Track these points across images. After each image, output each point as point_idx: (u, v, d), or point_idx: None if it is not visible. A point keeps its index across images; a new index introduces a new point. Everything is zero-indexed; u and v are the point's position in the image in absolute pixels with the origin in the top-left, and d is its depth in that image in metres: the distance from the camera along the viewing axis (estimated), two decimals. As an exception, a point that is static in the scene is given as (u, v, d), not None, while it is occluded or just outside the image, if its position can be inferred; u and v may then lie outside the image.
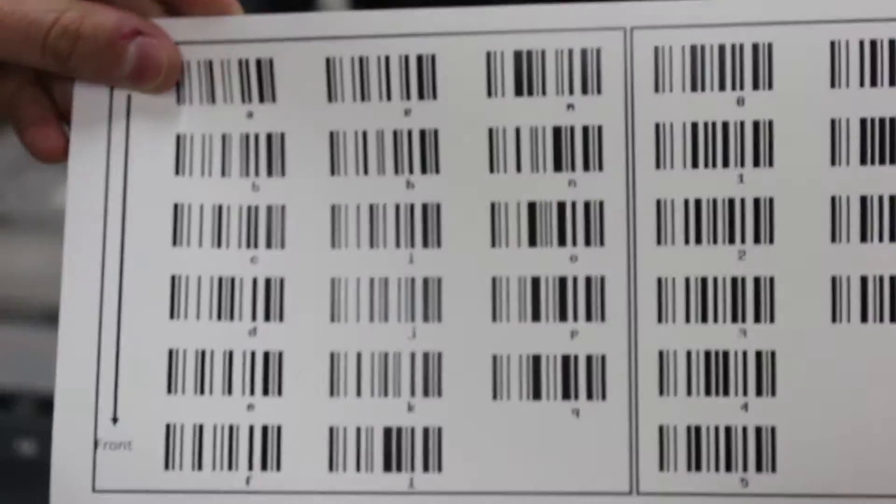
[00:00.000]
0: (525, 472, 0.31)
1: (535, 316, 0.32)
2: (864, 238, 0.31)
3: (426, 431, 0.32)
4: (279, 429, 0.32)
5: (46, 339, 0.67)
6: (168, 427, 0.32)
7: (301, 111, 0.33)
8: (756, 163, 0.31)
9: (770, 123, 0.31)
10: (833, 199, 0.31)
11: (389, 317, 0.32)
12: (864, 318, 0.31)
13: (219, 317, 0.32)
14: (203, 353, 0.32)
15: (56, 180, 0.70)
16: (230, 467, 0.32)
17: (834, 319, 0.31)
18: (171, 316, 0.32)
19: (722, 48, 0.31)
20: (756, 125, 0.31)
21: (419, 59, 0.32)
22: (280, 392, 0.32)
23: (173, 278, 0.32)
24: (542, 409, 0.32)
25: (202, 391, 0.32)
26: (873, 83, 0.31)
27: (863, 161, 0.31)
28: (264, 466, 0.32)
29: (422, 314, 0.32)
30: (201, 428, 0.32)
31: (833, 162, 0.31)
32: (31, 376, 0.64)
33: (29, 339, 0.66)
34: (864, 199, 0.31)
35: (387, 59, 0.32)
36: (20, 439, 0.62)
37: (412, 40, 0.32)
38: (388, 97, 0.32)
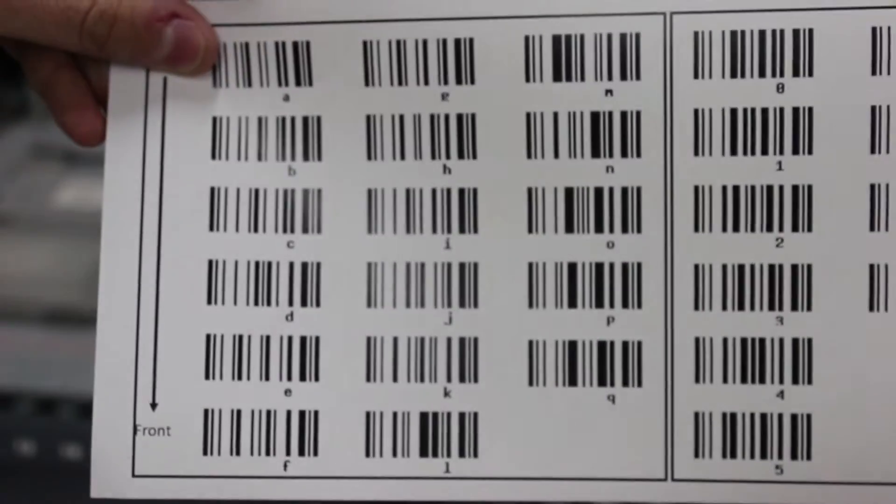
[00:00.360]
0: (560, 458, 0.32)
1: (572, 302, 0.33)
2: (903, 226, 0.32)
3: (462, 417, 0.33)
4: (316, 414, 0.33)
5: (46, 339, 0.69)
6: (206, 412, 0.33)
7: (338, 95, 0.33)
8: (795, 150, 0.32)
9: (810, 110, 0.32)
10: (872, 186, 0.32)
11: (426, 302, 0.33)
12: (902, 307, 0.32)
13: (256, 302, 0.33)
14: (240, 339, 0.33)
15: (56, 180, 0.71)
16: (268, 453, 0.33)
17: (871, 308, 0.32)
18: (209, 301, 0.33)
19: (762, 34, 0.32)
20: (796, 112, 0.32)
21: (457, 42, 0.33)
22: (317, 377, 0.33)
23: (210, 263, 0.33)
24: (578, 395, 0.32)
25: (240, 377, 0.33)
26: (915, 70, 0.32)
27: (903, 149, 0.32)
28: (301, 452, 0.33)
29: (458, 300, 0.33)
30: (239, 413, 0.33)
31: (873, 150, 0.32)
32: (30, 376, 0.66)
33: (29, 339, 0.68)
34: (903, 187, 0.32)
35: (424, 42, 0.33)
36: (19, 440, 0.64)
37: (450, 24, 0.33)
38: (426, 81, 0.33)
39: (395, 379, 0.33)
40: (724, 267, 0.32)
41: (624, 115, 0.32)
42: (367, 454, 0.33)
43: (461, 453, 0.33)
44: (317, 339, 0.33)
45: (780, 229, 0.32)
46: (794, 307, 0.32)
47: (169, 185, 0.33)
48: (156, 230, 0.33)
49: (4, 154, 0.75)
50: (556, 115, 0.33)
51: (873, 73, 0.32)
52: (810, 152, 0.32)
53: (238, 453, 0.33)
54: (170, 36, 0.32)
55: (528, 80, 0.33)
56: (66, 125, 0.33)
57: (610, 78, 0.32)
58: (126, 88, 0.33)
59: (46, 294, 0.67)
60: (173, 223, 0.33)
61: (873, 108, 0.32)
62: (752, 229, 0.32)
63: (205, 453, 0.33)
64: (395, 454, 0.33)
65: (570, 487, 0.32)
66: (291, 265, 0.33)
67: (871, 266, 0.32)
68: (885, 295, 0.32)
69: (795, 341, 0.32)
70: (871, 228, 0.32)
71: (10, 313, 0.69)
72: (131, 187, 0.33)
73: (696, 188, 0.32)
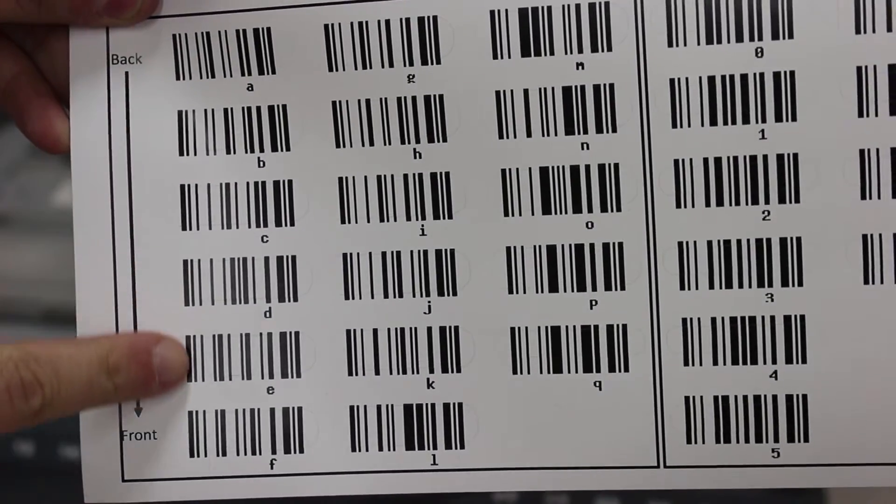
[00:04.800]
0: (548, 447, 0.43)
1: (553, 286, 0.43)
2: (896, 194, 0.41)
3: (447, 408, 0.43)
4: (300, 410, 0.44)
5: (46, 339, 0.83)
6: (190, 415, 0.44)
7: (301, 81, 0.44)
8: (778, 117, 0.41)
9: (792, 75, 0.41)
10: (862, 152, 0.40)
11: (404, 292, 0.43)
12: (898, 278, 0.41)
13: (233, 300, 0.44)
14: (220, 339, 0.44)
15: (56, 180, 0.86)
16: (254, 452, 0.44)
17: (866, 281, 0.41)
18: (186, 302, 0.44)
19: (738, -4, 0.41)
20: (777, 77, 0.41)
21: (420, 21, 0.43)
22: (299, 374, 0.44)
23: (185, 263, 0.44)
24: (564, 382, 0.43)
25: (221, 377, 0.44)
26: (902, 26, 0.40)
27: (893, 111, 0.40)
28: (287, 449, 0.44)
29: (436, 288, 0.43)
30: (223, 414, 0.44)
31: (861, 113, 0.40)
32: None
33: (28, 339, 0.82)
34: (895, 152, 0.40)
35: (387, 23, 0.43)
36: (18, 440, 0.78)
37: (413, 2, 0.43)
38: (391, 63, 0.43)
39: (377, 372, 0.44)
40: (710, 243, 0.42)
41: (597, 88, 0.42)
42: (353, 449, 0.44)
43: (447, 445, 0.43)
44: (296, 334, 0.44)
45: (767, 201, 0.41)
46: (785, 283, 0.41)
47: (138, 185, 0.44)
48: (128, 233, 0.44)
49: (4, 154, 0.90)
50: (526, 92, 0.42)
51: (857, 31, 0.40)
52: (794, 119, 0.41)
53: (224, 454, 0.44)
54: None
55: (495, 56, 0.42)
56: (33, 134, 0.44)
57: (580, 51, 0.42)
58: (88, 86, 0.44)
59: (46, 294, 0.82)
60: (145, 225, 0.44)
61: (859, 69, 0.40)
62: (737, 202, 0.41)
63: (191, 455, 0.44)
64: (380, 448, 0.44)
65: (558, 477, 0.43)
66: (267, 260, 0.44)
67: (865, 237, 0.41)
68: (881, 266, 0.41)
69: (787, 319, 0.41)
70: (863, 197, 0.41)
71: (9, 313, 0.85)
72: (100, 191, 0.44)
73: (676, 162, 0.41)
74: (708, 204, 0.41)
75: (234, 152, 0.44)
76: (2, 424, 0.39)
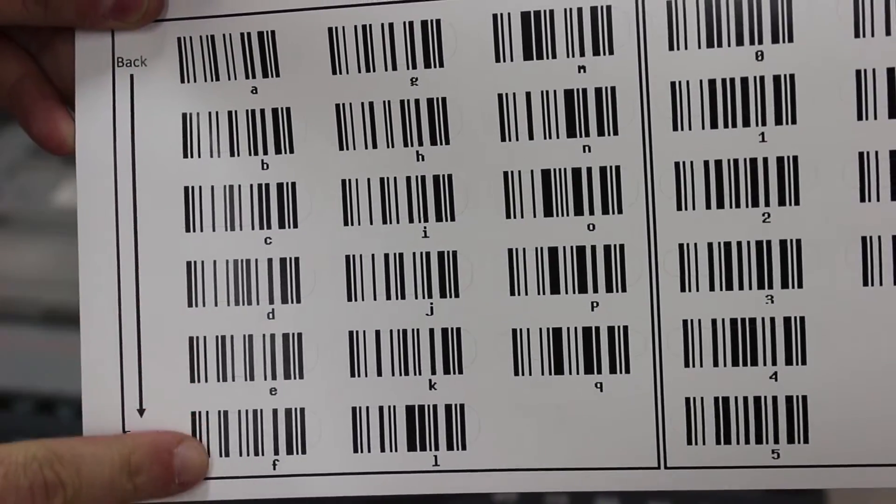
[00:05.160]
0: (549, 448, 0.43)
1: (554, 288, 0.43)
2: (895, 196, 0.41)
3: (448, 409, 0.44)
4: (302, 411, 0.44)
5: (46, 339, 0.85)
6: (193, 415, 0.45)
7: (305, 84, 0.44)
8: (778, 120, 0.41)
9: (791, 78, 0.41)
10: (861, 155, 0.41)
11: (406, 293, 0.44)
12: (897, 280, 0.41)
13: (237, 301, 0.45)
14: (223, 340, 0.45)
15: (56, 180, 0.87)
16: (256, 452, 0.45)
17: (865, 282, 0.41)
18: (190, 304, 0.45)
19: (738, 0, 0.41)
20: (777, 80, 0.41)
21: (424, 24, 0.43)
22: (301, 375, 0.44)
23: (189, 265, 0.45)
24: (565, 383, 0.43)
25: (224, 378, 0.45)
26: (901, 30, 0.40)
27: (892, 114, 0.41)
28: (290, 450, 0.44)
29: (438, 290, 0.44)
30: (226, 414, 0.45)
31: (860, 116, 0.41)
32: (30, 376, 0.82)
33: (28, 339, 0.84)
34: (893, 154, 0.41)
35: (391, 26, 0.43)
36: (18, 440, 0.79)
37: (416, 6, 0.43)
38: (394, 66, 0.43)
39: (379, 373, 0.44)
40: (710, 245, 0.42)
41: (599, 91, 0.42)
42: (355, 450, 0.44)
43: (449, 446, 0.44)
44: (299, 335, 0.44)
45: (767, 204, 0.41)
46: (785, 285, 0.42)
47: (142, 187, 0.45)
48: (132, 235, 0.44)
49: (4, 154, 0.91)
50: (528, 94, 0.43)
51: (857, 34, 0.41)
52: (794, 122, 0.41)
53: (227, 454, 0.45)
54: None
55: (498, 59, 0.43)
56: (38, 135, 0.45)
57: (582, 54, 0.42)
58: (93, 88, 0.45)
59: (46, 294, 0.83)
60: (149, 226, 0.45)
61: (858, 73, 0.41)
62: (738, 205, 0.42)
63: (194, 455, 0.45)
64: (382, 449, 0.44)
65: (559, 478, 0.43)
66: (270, 262, 0.44)
67: (864, 238, 0.41)
68: (880, 268, 0.41)
69: (787, 320, 0.42)
70: (862, 199, 0.41)
71: (9, 313, 0.85)
72: (104, 192, 0.45)
73: (677, 164, 0.42)
74: (708, 206, 0.42)
75: (238, 154, 0.45)
76: None
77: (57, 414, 0.80)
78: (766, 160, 0.41)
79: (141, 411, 0.45)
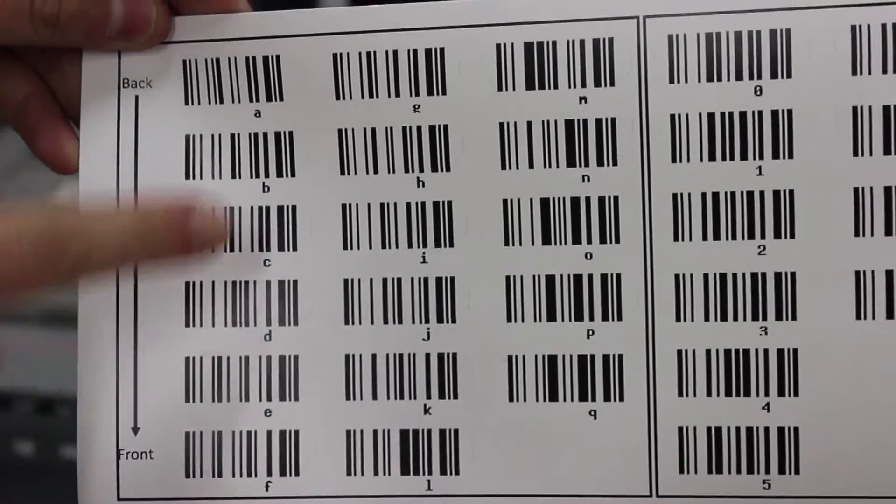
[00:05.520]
0: (542, 475, 0.43)
1: (551, 315, 0.43)
2: (888, 231, 0.41)
3: (443, 434, 0.44)
4: (297, 434, 0.44)
5: (45, 340, 0.84)
6: (188, 435, 0.45)
7: (309, 109, 0.44)
8: (775, 154, 0.42)
9: (789, 113, 0.42)
10: (856, 190, 0.41)
11: (403, 318, 0.44)
12: (889, 315, 0.41)
13: (234, 323, 0.45)
14: (219, 360, 0.45)
15: (56, 180, 0.87)
16: (249, 474, 0.45)
17: (858, 316, 0.42)
18: (187, 324, 0.45)
19: (738, 35, 0.42)
20: (775, 115, 0.42)
21: (428, 52, 0.44)
22: (297, 397, 0.44)
23: (187, 285, 0.45)
24: (559, 410, 0.43)
25: (220, 398, 0.45)
26: (897, 69, 0.41)
27: (886, 151, 0.41)
28: (283, 472, 0.44)
29: (436, 315, 0.44)
30: (220, 435, 0.45)
31: (855, 152, 0.41)
32: (29, 377, 0.82)
33: (27, 339, 0.83)
34: (888, 190, 0.41)
35: (395, 53, 0.44)
36: (18, 440, 0.79)
37: (420, 34, 0.44)
38: (398, 93, 0.44)
39: (374, 397, 0.44)
40: (706, 276, 0.42)
41: (599, 122, 0.43)
42: (349, 473, 0.44)
43: (442, 471, 0.44)
44: (295, 357, 0.45)
45: (762, 236, 0.42)
46: (779, 317, 0.42)
47: (143, 207, 0.45)
48: (132, 253, 0.45)
49: (4, 154, 0.91)
50: (529, 124, 0.43)
51: (854, 72, 0.41)
52: (791, 156, 0.42)
53: (220, 475, 0.45)
54: (118, 6, 0.43)
55: (500, 89, 0.43)
56: (43, 154, 0.45)
57: (584, 85, 0.43)
58: (98, 108, 0.45)
59: (45, 295, 0.82)
60: (149, 245, 0.45)
61: (855, 109, 0.41)
62: (734, 237, 0.42)
63: (187, 476, 0.45)
64: (376, 472, 0.44)
65: (552, 505, 0.43)
66: (268, 284, 0.45)
67: (857, 273, 0.41)
68: (872, 302, 0.41)
69: (780, 352, 0.42)
70: (856, 233, 0.41)
71: (9, 313, 0.84)
72: (107, 210, 0.45)
73: (675, 196, 0.42)
74: (705, 238, 0.42)
75: (240, 177, 0.45)
76: (29, 283, 0.36)
77: (57, 414, 0.80)
78: (762, 193, 0.42)
79: (135, 430, 0.45)
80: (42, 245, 0.36)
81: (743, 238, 0.42)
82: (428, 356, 0.44)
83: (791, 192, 0.42)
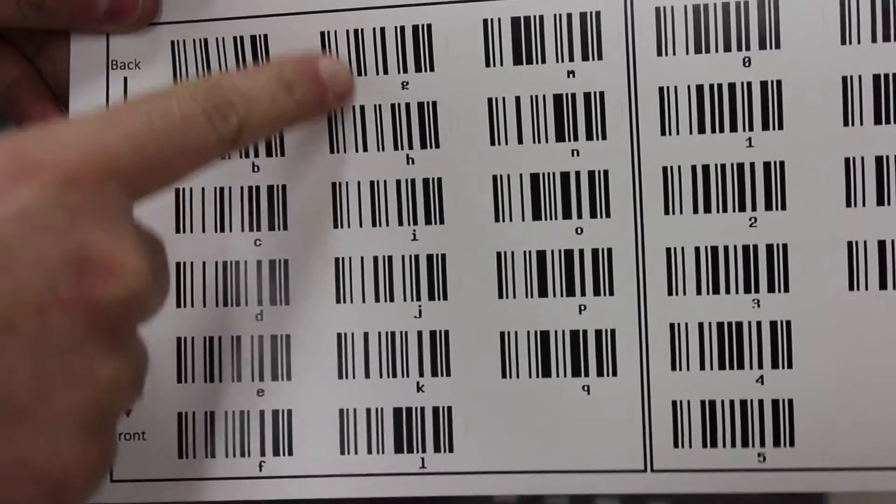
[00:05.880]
0: (536, 451, 0.43)
1: (542, 291, 0.43)
2: (880, 201, 0.41)
3: (436, 411, 0.44)
4: (289, 413, 0.44)
5: None
6: (180, 416, 0.45)
7: (298, 88, 0.44)
8: (765, 126, 0.42)
9: (778, 84, 0.41)
10: (847, 160, 0.41)
11: (395, 296, 0.44)
12: (882, 285, 0.41)
13: (225, 303, 0.45)
14: (211, 341, 0.45)
15: None
16: (243, 454, 0.44)
17: (851, 287, 0.41)
18: (178, 304, 0.45)
19: (726, 6, 0.42)
20: (764, 86, 0.42)
21: (415, 29, 0.43)
22: (289, 376, 0.44)
23: (178, 265, 0.45)
24: (553, 386, 0.43)
25: (211, 379, 0.45)
26: (886, 37, 0.41)
27: (877, 120, 0.41)
28: (276, 451, 0.44)
29: (427, 292, 0.44)
30: (213, 415, 0.45)
31: (846, 122, 0.41)
32: None
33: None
34: (879, 160, 0.41)
35: (382, 30, 0.44)
36: None
37: (407, 10, 0.43)
38: (385, 70, 0.44)
39: (367, 375, 0.44)
40: (697, 250, 0.42)
41: (587, 96, 0.43)
42: (342, 452, 0.44)
43: (436, 448, 0.44)
44: (287, 337, 0.44)
45: (754, 208, 0.42)
46: (771, 289, 0.42)
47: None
48: (122, 234, 0.45)
49: None
50: (518, 99, 0.43)
51: (843, 42, 0.41)
52: (781, 127, 0.41)
53: (213, 455, 0.44)
54: None
55: (488, 64, 0.43)
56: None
57: (571, 59, 0.43)
58: (87, 91, 0.45)
59: None
60: (139, 226, 0.45)
61: (844, 79, 0.41)
62: (725, 209, 0.42)
63: (180, 456, 0.45)
64: (369, 451, 0.44)
65: (546, 480, 0.43)
66: (259, 264, 0.45)
67: (850, 243, 0.41)
68: (865, 273, 0.41)
69: (773, 324, 0.42)
70: (848, 204, 0.41)
71: None
72: (96, 192, 0.45)
73: (665, 169, 0.42)
74: (696, 211, 0.42)
75: (229, 157, 0.45)
76: (208, 149, 0.36)
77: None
78: (752, 165, 0.42)
79: (128, 412, 0.45)
80: (212, 111, 0.36)
81: (734, 210, 0.42)
82: (420, 334, 0.44)
83: (782, 163, 0.42)
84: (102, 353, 0.31)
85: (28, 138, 0.31)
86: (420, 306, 0.44)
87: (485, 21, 0.43)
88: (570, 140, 0.43)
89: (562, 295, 0.43)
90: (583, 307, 0.43)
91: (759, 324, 0.42)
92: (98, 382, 0.31)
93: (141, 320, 0.34)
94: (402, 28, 0.44)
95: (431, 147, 0.44)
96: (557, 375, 0.43)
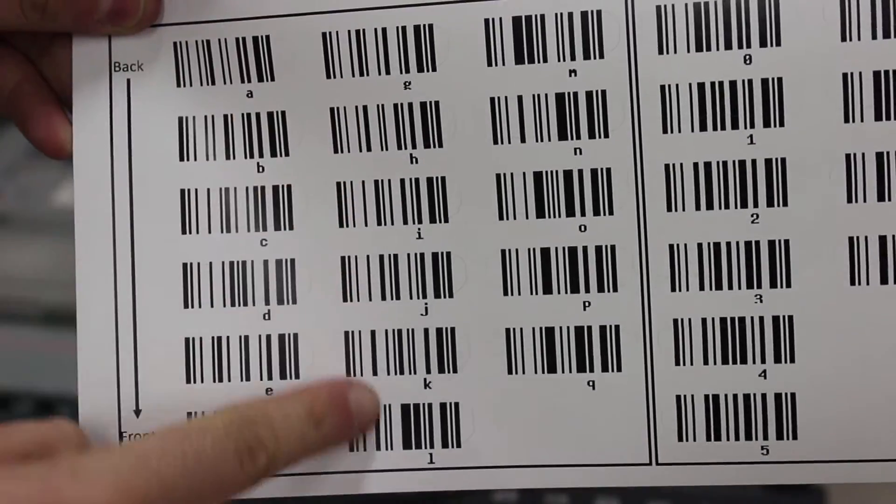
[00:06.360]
0: (542, 446, 0.43)
1: (547, 288, 0.43)
2: (881, 197, 0.41)
3: (443, 407, 0.44)
4: (298, 411, 0.45)
5: (46, 339, 0.85)
6: (189, 416, 0.45)
7: (300, 88, 0.44)
8: (766, 123, 0.42)
9: (779, 81, 0.42)
10: (848, 157, 0.41)
11: (401, 294, 0.44)
12: (883, 280, 0.41)
13: (233, 303, 0.45)
14: (219, 341, 0.45)
15: (56, 180, 0.87)
16: (252, 451, 0.45)
17: (852, 282, 0.42)
18: (186, 305, 0.45)
19: (727, 4, 0.42)
20: (765, 83, 0.42)
21: (416, 29, 0.43)
22: (297, 375, 0.45)
23: (185, 266, 0.45)
24: (558, 381, 0.43)
25: (220, 379, 0.45)
26: (886, 34, 0.41)
27: (877, 117, 0.41)
28: (286, 448, 0.45)
29: (433, 290, 0.44)
30: (222, 413, 0.45)
31: (847, 118, 0.41)
32: (30, 376, 0.82)
33: (28, 339, 0.84)
34: (880, 156, 0.41)
35: (384, 31, 0.44)
36: None
37: (409, 11, 0.43)
38: (388, 70, 0.44)
39: (374, 372, 0.44)
40: (700, 246, 0.42)
41: (589, 94, 0.43)
42: (351, 448, 0.44)
43: (444, 444, 0.44)
44: (295, 336, 0.45)
45: (755, 205, 0.42)
46: (773, 284, 0.42)
47: (139, 189, 0.45)
48: (128, 236, 0.45)
49: (4, 154, 0.91)
50: (520, 98, 0.43)
51: (843, 39, 0.41)
52: (782, 124, 0.42)
53: (224, 453, 0.45)
54: None
55: (490, 63, 0.43)
56: (36, 140, 0.45)
57: (573, 58, 0.43)
58: (90, 93, 0.45)
59: (46, 294, 0.84)
60: (146, 229, 0.45)
61: (845, 76, 0.41)
62: (727, 206, 0.42)
63: (191, 454, 0.45)
64: (378, 447, 0.44)
65: (552, 474, 0.43)
66: (266, 263, 0.45)
67: (851, 239, 0.42)
68: (866, 268, 0.41)
69: (776, 319, 0.42)
70: (849, 200, 0.41)
71: (9, 313, 0.85)
72: (101, 194, 0.45)
73: (667, 166, 0.42)
74: (698, 207, 0.42)
75: (234, 158, 0.45)
76: (235, 487, 0.38)
77: (57, 414, 0.81)
78: (754, 162, 0.42)
79: (137, 412, 0.45)
80: (243, 451, 0.38)
81: (736, 207, 0.42)
82: (426, 331, 0.44)
83: (783, 160, 0.42)
84: None
85: (63, 476, 0.34)
86: (426, 304, 0.44)
87: (486, 21, 0.43)
88: (572, 138, 0.43)
89: (566, 292, 0.43)
90: (587, 303, 0.43)
91: (761, 319, 0.42)
92: None
93: None
94: (404, 28, 0.44)
95: (435, 146, 0.44)
96: (563, 371, 0.43)
